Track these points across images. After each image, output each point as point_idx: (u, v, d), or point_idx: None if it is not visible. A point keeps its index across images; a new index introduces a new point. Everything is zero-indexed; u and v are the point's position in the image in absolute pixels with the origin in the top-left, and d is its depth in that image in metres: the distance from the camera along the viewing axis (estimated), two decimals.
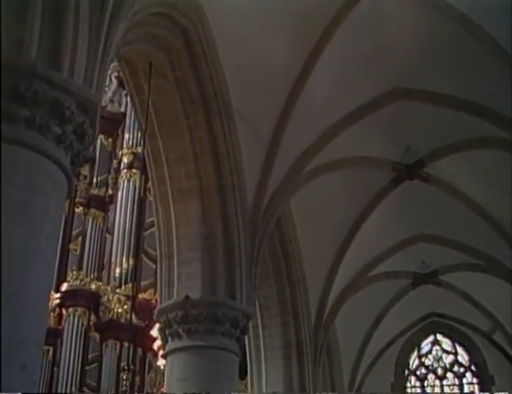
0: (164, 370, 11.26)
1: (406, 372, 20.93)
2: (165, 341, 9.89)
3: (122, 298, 17.67)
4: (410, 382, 20.97)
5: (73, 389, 16.45)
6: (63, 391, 16.10)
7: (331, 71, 10.34)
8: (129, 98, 18.87)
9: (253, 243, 10.27)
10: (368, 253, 15.31)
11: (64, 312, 17.62)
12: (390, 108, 11.62)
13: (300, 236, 13.55)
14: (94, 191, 20.72)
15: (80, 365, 16.81)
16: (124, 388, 8.26)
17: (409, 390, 20.81)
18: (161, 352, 14.10)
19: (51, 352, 17.10)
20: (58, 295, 17.41)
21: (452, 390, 20.68)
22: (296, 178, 11.32)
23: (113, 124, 21.27)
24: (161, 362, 15.15)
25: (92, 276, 18.92)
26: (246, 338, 11.75)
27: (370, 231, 14.23)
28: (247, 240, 10.12)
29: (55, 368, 17.07)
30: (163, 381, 11.53)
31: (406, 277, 17.55)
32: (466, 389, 20.53)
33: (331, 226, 13.88)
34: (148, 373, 16.90)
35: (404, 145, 13.00)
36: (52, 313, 16.84)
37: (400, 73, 11.08)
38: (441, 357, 21.07)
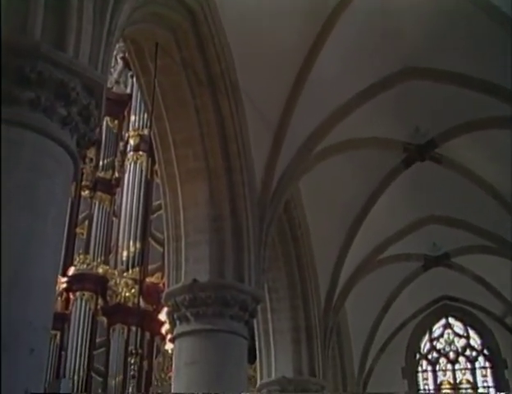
0: (172, 354, 11.35)
1: (417, 356, 20.99)
2: (173, 325, 9.97)
3: (130, 282, 17.79)
4: (421, 367, 21.05)
5: (81, 373, 16.60)
6: (71, 376, 16.24)
7: (339, 52, 10.30)
8: (135, 79, 18.93)
9: (261, 226, 10.31)
10: (378, 235, 15.33)
11: (71, 296, 17.75)
12: (400, 88, 11.58)
13: (309, 220, 13.57)
14: (100, 174, 20.79)
15: (87, 350, 16.95)
16: (132, 373, 8.34)
17: (420, 374, 20.88)
18: (169, 336, 14.17)
19: (58, 337, 17.25)
20: (65, 279, 17.53)
21: (464, 374, 20.75)
22: (305, 160, 11.33)
23: (119, 106, 21.29)
24: (169, 346, 15.24)
25: (99, 260, 19.04)
26: (255, 322, 11.86)
27: (380, 213, 14.24)
28: (255, 222, 10.16)
29: (62, 353, 17.22)
30: (171, 365, 11.61)
31: (417, 260, 17.57)
32: (478, 373, 20.59)
33: (341, 209, 13.89)
34: (156, 357, 17.04)
35: (414, 126, 12.96)
36: (59, 298, 16.95)
37: (411, 52, 11.03)
38: (452, 341, 21.11)
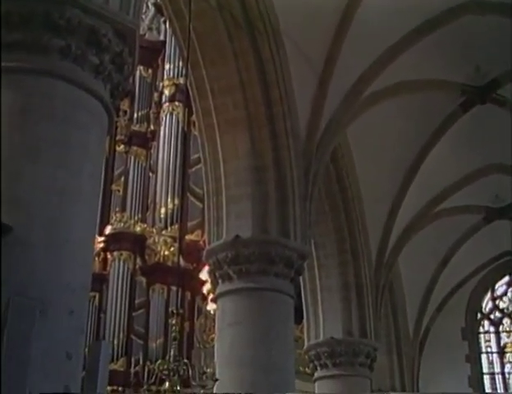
0: (214, 315, 11.65)
1: (479, 316, 20.93)
2: (215, 284, 10.21)
3: (168, 240, 18.09)
4: (483, 327, 20.99)
5: (120, 336, 17.07)
6: (111, 339, 16.71)
7: None
8: (168, 25, 18.98)
9: (306, 177, 10.39)
10: (434, 186, 15.25)
11: (109, 256, 18.11)
12: (457, 24, 11.39)
13: (358, 170, 13.58)
14: (135, 127, 20.98)
15: (126, 311, 17.39)
16: (173, 334, 8.60)
17: (482, 336, 20.85)
18: (210, 296, 14.47)
19: (97, 298, 17.70)
20: (102, 238, 17.87)
21: None
22: (353, 106, 11.31)
23: (152, 53, 21.33)
24: (211, 306, 15.56)
25: (136, 218, 19.36)
26: (301, 279, 12.00)
27: (436, 162, 14.15)
28: (300, 174, 10.25)
29: (101, 316, 17.69)
30: (214, 326, 11.91)
31: (477, 212, 17.44)
32: None
33: (393, 158, 13.85)
34: (198, 318, 17.40)
35: (473, 65, 12.76)
36: (96, 258, 17.35)
37: None
38: None
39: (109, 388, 14.82)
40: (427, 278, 18.16)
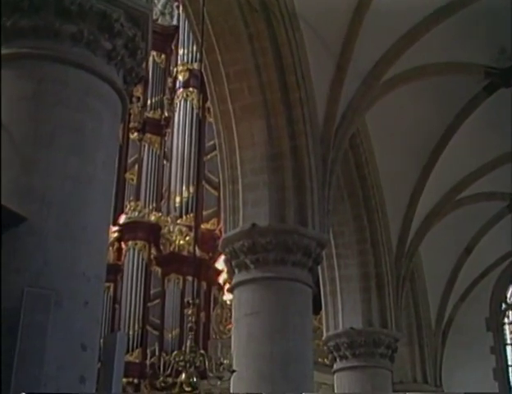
0: (231, 305, 11.71)
1: (503, 306, 20.84)
2: (231, 274, 10.27)
3: (184, 229, 18.19)
4: (508, 318, 20.92)
5: (135, 327, 17.22)
6: (126, 330, 16.85)
7: None
8: (181, 10, 19.00)
9: (324, 164, 10.40)
10: (456, 172, 15.18)
11: (123, 246, 18.25)
12: (480, 4, 11.29)
13: (378, 156, 13.54)
14: (149, 114, 21.06)
15: (141, 302, 17.53)
16: (189, 325, 8.69)
17: (506, 326, 20.76)
18: (227, 286, 14.57)
19: (111, 289, 17.83)
20: (116, 228, 18.01)
21: None
22: (371, 90, 11.27)
23: (165, 39, 21.39)
24: (227, 296, 15.68)
25: (151, 206, 19.48)
26: (320, 269, 12.03)
27: (459, 147, 14.08)
28: (318, 160, 10.26)
29: (116, 306, 17.83)
30: (230, 316, 11.99)
31: (502, 199, 17.31)
32: None
33: (414, 144, 13.80)
34: (214, 308, 17.51)
35: (498, 47, 12.66)
36: (110, 248, 17.48)
37: None
38: None
39: (124, 380, 14.95)
40: (449, 267, 18.10)
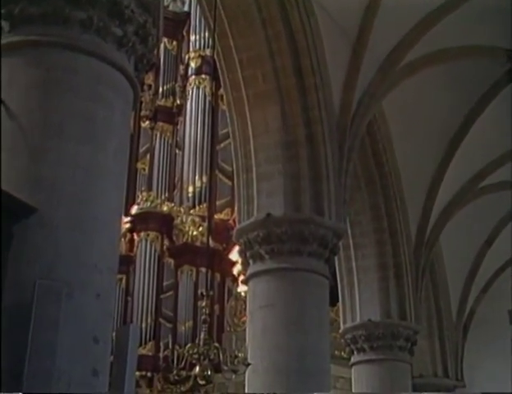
0: (245, 297, 11.75)
1: None
2: (246, 265, 10.31)
3: (197, 219, 18.25)
4: None
5: (148, 320, 17.32)
6: (138, 322, 16.95)
7: None
8: None
9: (341, 152, 10.40)
10: (478, 160, 15.10)
11: (135, 237, 18.35)
12: None
13: (396, 143, 13.50)
14: (161, 102, 21.11)
15: (154, 294, 17.63)
16: (203, 317, 8.74)
17: None
18: (241, 277, 14.62)
19: (124, 281, 17.95)
20: (128, 218, 18.09)
21: None
22: (389, 76, 11.24)
23: (177, 25, 21.40)
24: (241, 288, 15.73)
25: (163, 197, 19.56)
26: (336, 259, 12.04)
27: (480, 133, 14.00)
28: (334, 148, 10.26)
29: (128, 298, 17.94)
30: (245, 309, 12.01)
31: None
32: None
33: (433, 130, 13.74)
34: (228, 300, 17.58)
35: None
36: (122, 239, 17.56)
37: None
38: None
39: (137, 374, 15.06)
40: (470, 258, 18.03)
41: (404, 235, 13.72)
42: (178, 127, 20.78)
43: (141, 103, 20.20)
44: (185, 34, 21.48)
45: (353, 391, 13.42)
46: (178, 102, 20.83)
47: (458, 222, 15.63)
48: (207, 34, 18.83)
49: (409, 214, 14.04)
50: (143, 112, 21.03)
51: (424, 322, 15.52)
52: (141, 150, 21.11)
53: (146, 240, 18.14)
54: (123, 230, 17.39)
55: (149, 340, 17.20)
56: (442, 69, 12.41)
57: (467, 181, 15.35)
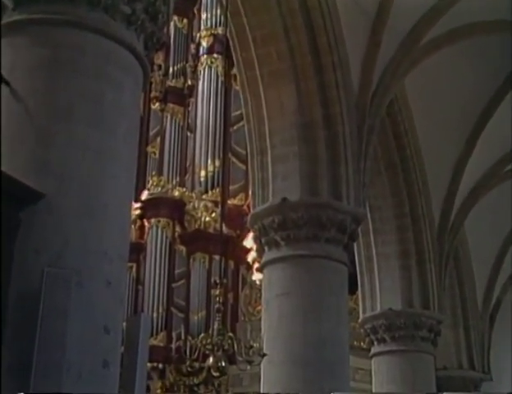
0: (260, 285, 11.80)
1: None
2: (261, 252, 10.34)
3: (209, 205, 18.29)
4: None
5: (160, 310, 17.42)
6: (149, 312, 17.05)
7: None
8: None
9: (360, 134, 10.38)
10: (505, 142, 15.02)
11: (146, 224, 18.42)
12: None
13: (418, 124, 13.44)
14: (171, 83, 21.11)
15: (166, 283, 17.71)
16: (216, 306, 8.80)
17: None
18: (256, 265, 14.66)
19: (134, 269, 18.03)
20: (138, 204, 18.16)
21: None
22: (411, 53, 11.19)
23: (188, 2, 21.36)
24: (256, 276, 15.77)
25: (174, 181, 19.61)
26: (355, 246, 12.05)
27: (507, 114, 13.93)
28: (353, 130, 10.24)
29: (139, 287, 18.04)
30: (260, 297, 12.06)
31: None
32: None
33: (458, 110, 13.68)
34: (243, 289, 17.64)
35: None
36: (132, 226, 17.63)
37: None
38: None
39: (149, 365, 15.16)
40: (497, 245, 17.96)
41: (426, 221, 13.67)
42: (189, 109, 20.80)
43: (151, 83, 20.21)
44: (196, 11, 21.45)
45: (373, 383, 13.44)
46: (189, 82, 20.83)
47: (483, 207, 15.57)
48: (219, 11, 18.82)
49: (432, 199, 13.98)
50: (153, 94, 21.05)
51: (448, 311, 15.49)
52: (151, 133, 21.16)
53: (157, 227, 18.20)
54: (133, 216, 17.42)
55: (161, 330, 17.31)
56: (467, 46, 12.33)
57: (492, 165, 15.28)
